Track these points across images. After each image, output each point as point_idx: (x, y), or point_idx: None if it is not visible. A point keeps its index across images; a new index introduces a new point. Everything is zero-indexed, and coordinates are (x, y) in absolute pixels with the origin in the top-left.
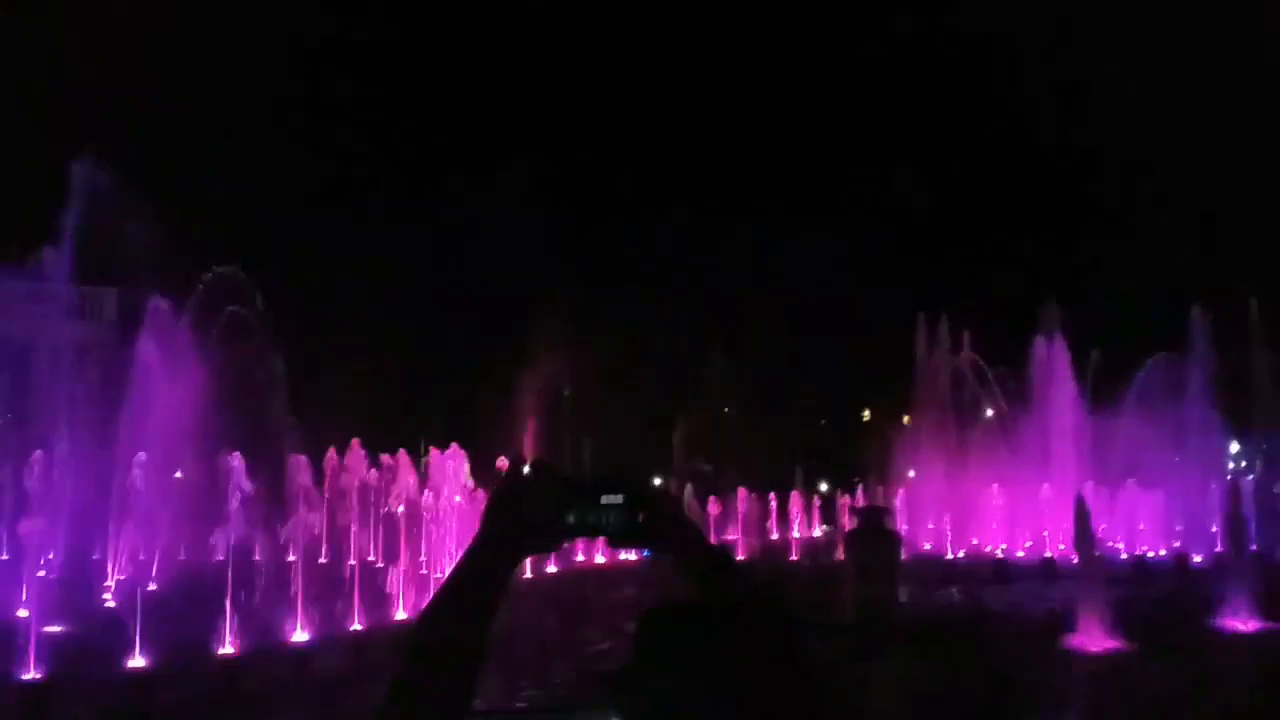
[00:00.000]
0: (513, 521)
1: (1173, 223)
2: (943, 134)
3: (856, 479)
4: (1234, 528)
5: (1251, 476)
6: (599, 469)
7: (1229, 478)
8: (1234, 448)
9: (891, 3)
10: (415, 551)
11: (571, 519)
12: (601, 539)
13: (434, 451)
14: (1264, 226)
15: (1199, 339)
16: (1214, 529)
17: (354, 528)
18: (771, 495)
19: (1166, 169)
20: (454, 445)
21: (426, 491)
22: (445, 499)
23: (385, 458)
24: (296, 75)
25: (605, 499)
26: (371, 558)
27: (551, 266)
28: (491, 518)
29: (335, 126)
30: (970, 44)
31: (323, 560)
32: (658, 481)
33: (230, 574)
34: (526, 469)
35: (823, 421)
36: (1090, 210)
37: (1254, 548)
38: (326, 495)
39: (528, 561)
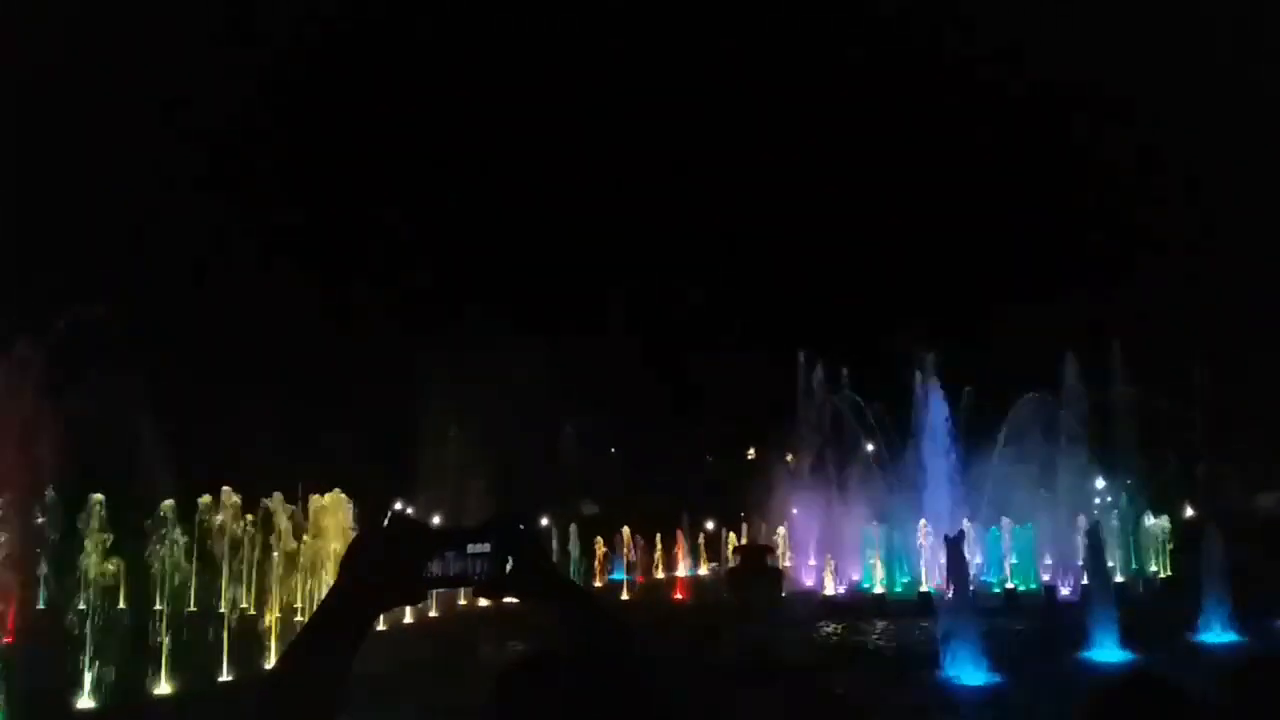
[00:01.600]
0: (369, 574)
1: (1045, 265)
2: (824, 178)
3: (741, 517)
4: (1097, 562)
5: (1116, 511)
6: (480, 513)
7: (1094, 512)
8: (1100, 483)
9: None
10: (292, 600)
11: (435, 569)
12: (468, 588)
13: (314, 496)
14: (1124, 272)
15: (1068, 379)
16: (1080, 563)
17: (225, 575)
18: (657, 534)
19: (1035, 218)
20: (336, 490)
21: (305, 538)
22: (325, 545)
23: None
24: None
25: (471, 548)
26: (245, 605)
27: (439, 306)
28: (347, 570)
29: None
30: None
31: (191, 609)
32: (544, 522)
33: (90, 624)
34: (386, 520)
35: (709, 459)
36: (967, 254)
37: (1118, 580)
38: (198, 540)
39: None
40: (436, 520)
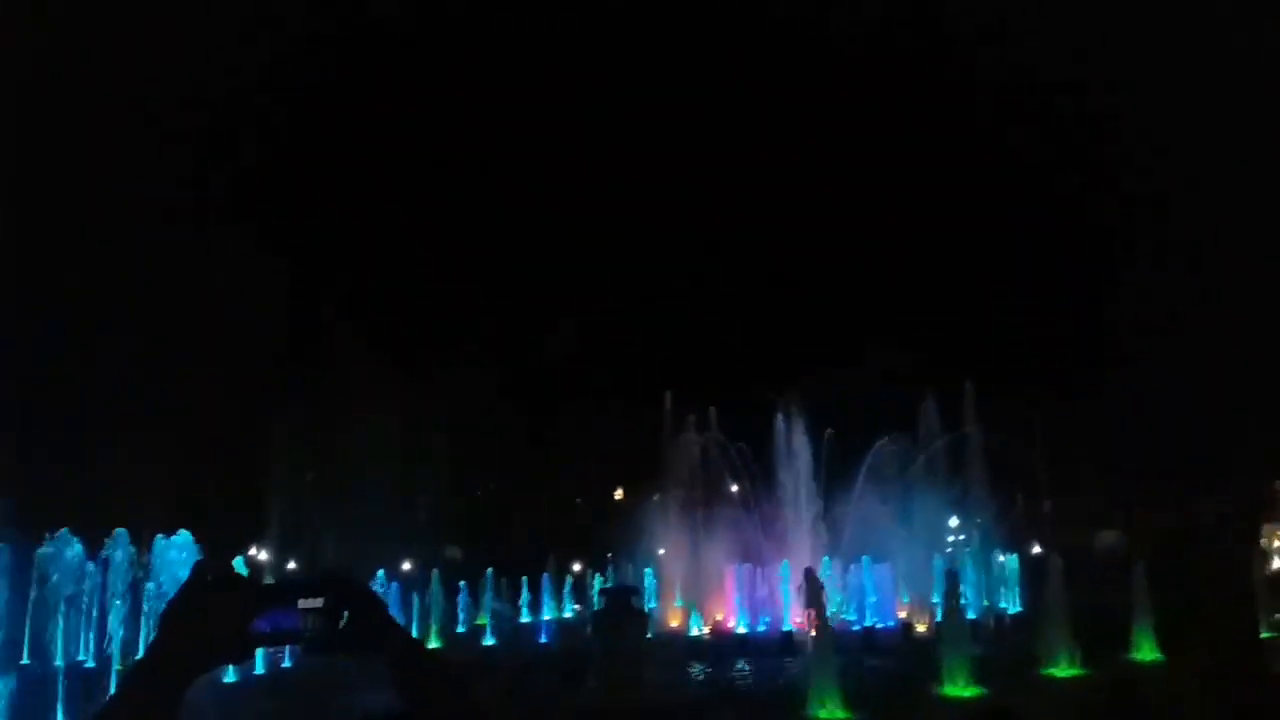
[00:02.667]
0: (191, 632)
1: (902, 309)
2: (691, 220)
3: (608, 559)
4: (951, 599)
5: (969, 550)
6: (338, 558)
7: (949, 550)
8: (954, 522)
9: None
10: (133, 650)
11: (264, 626)
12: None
13: (159, 539)
14: (980, 314)
15: (924, 421)
16: (935, 600)
17: (63, 625)
18: (523, 577)
19: (894, 262)
20: (181, 531)
21: (148, 584)
22: (170, 591)
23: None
24: None
25: (303, 603)
26: (81, 658)
27: (292, 350)
28: (167, 628)
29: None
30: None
31: (24, 662)
32: (406, 566)
33: None
34: (210, 574)
35: (578, 501)
36: (830, 298)
37: (971, 616)
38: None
39: None
40: (291, 565)
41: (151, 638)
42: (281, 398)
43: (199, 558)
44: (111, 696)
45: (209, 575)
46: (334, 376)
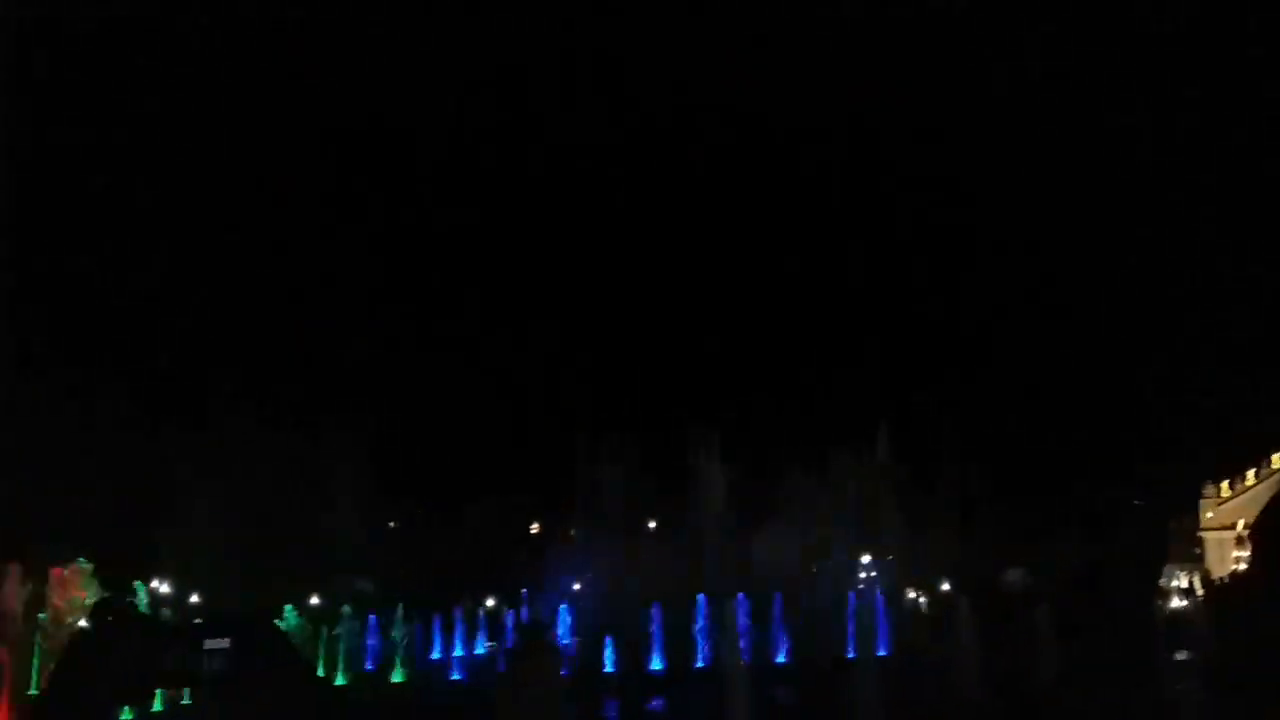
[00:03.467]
0: (94, 672)
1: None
2: (608, 255)
3: (523, 595)
4: (862, 634)
5: (879, 589)
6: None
7: (860, 587)
8: (865, 559)
9: None
10: (24, 684)
11: (166, 667)
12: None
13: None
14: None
15: (837, 459)
16: (847, 632)
17: None
18: (435, 614)
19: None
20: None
21: (40, 615)
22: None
23: None
24: None
25: (209, 644)
26: None
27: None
28: (69, 667)
29: None
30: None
31: None
32: (315, 600)
33: None
34: (112, 614)
35: (493, 537)
36: (751, 338)
37: (882, 652)
38: None
39: None
40: (194, 599)
41: (51, 676)
42: (185, 425)
43: (102, 596)
44: None
45: (110, 616)
46: (240, 405)
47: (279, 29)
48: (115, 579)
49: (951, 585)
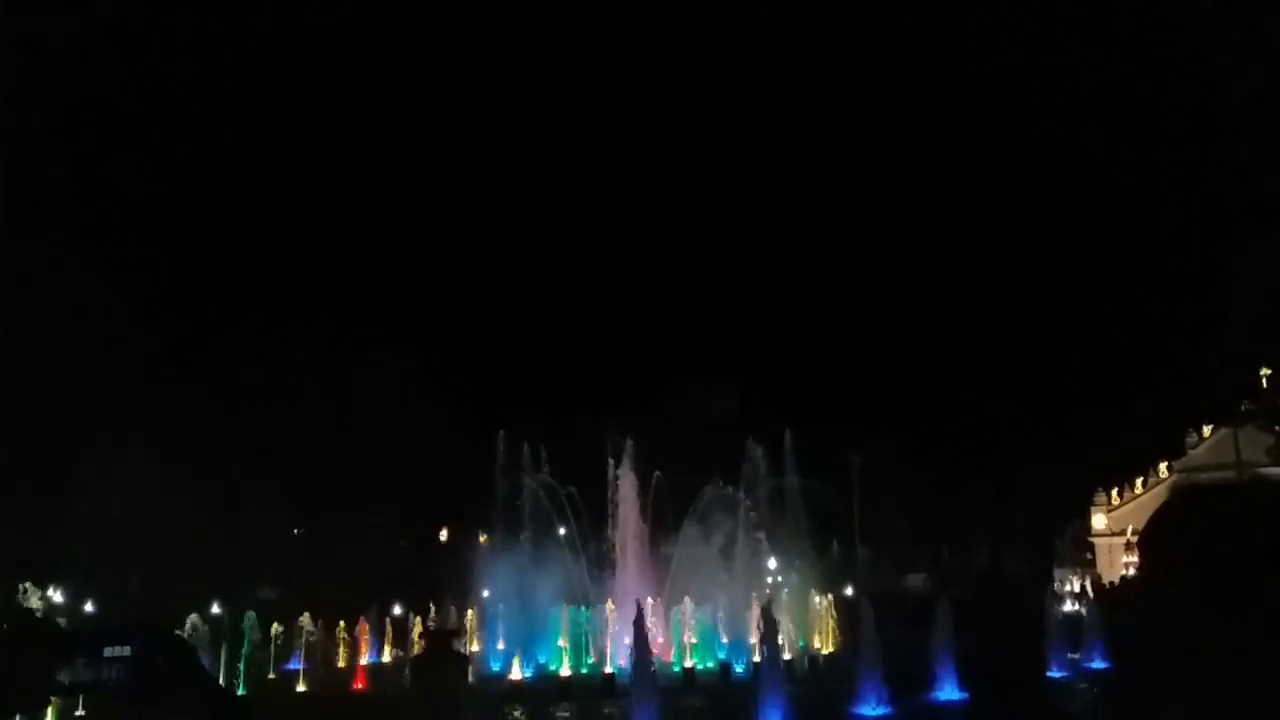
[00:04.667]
0: None
1: (730, 357)
2: (523, 256)
3: (430, 601)
4: (769, 640)
5: (786, 591)
6: (137, 606)
7: (767, 592)
8: (772, 564)
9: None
10: None
11: (65, 677)
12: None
13: None
14: (799, 363)
15: (749, 466)
16: (753, 641)
17: None
18: (340, 620)
19: (718, 308)
20: None
21: None
22: None
23: None
24: None
25: (109, 651)
26: None
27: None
28: None
29: None
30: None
31: None
32: (215, 609)
33: None
34: (4, 622)
35: (402, 543)
36: (662, 342)
37: (787, 657)
38: None
39: None
40: (89, 607)
41: None
42: (84, 425)
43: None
44: None
45: (5, 624)
46: (142, 404)
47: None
48: (5, 584)
49: (855, 590)
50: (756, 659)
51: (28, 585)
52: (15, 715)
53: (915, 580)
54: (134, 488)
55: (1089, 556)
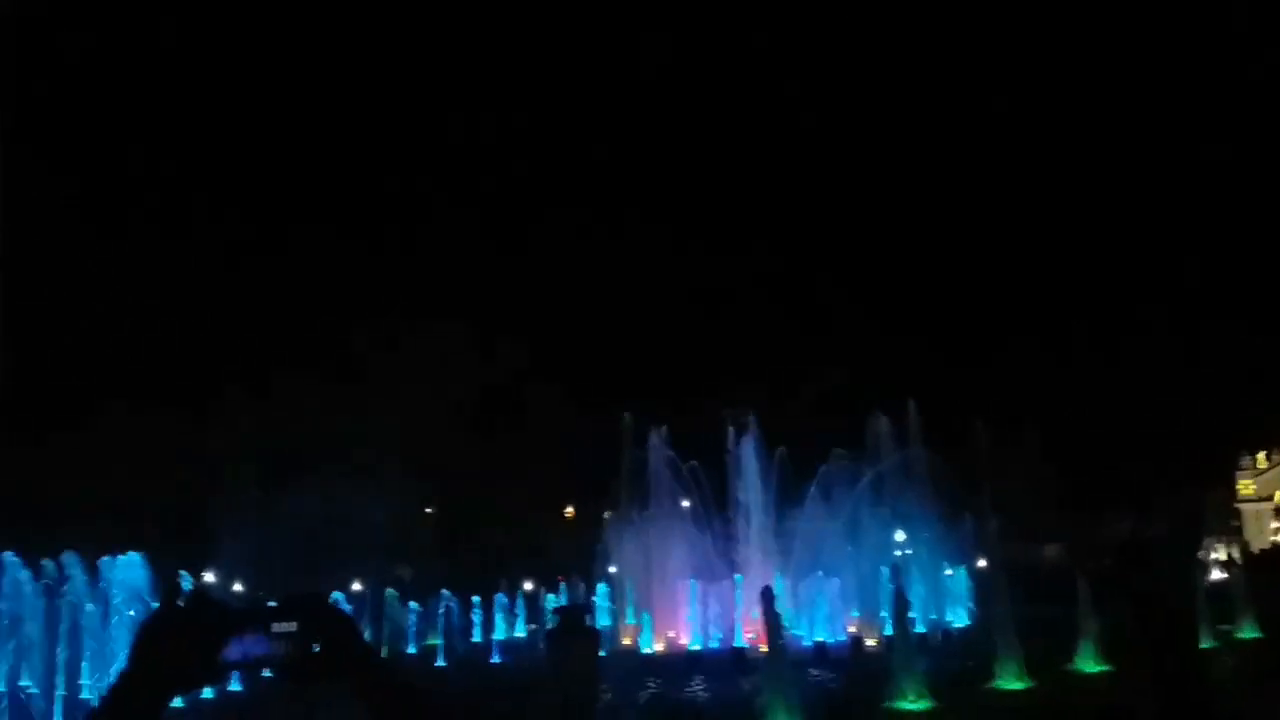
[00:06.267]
0: (165, 657)
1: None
2: (642, 236)
3: (559, 577)
4: (901, 614)
5: (916, 564)
6: (287, 580)
7: (896, 565)
8: (900, 537)
9: None
10: (77, 674)
11: (235, 652)
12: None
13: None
14: (920, 335)
15: (872, 438)
16: (884, 614)
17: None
18: (475, 597)
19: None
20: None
21: (87, 605)
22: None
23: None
24: None
25: (276, 627)
26: (26, 682)
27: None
28: (139, 653)
29: None
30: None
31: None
32: (357, 586)
33: None
34: (181, 599)
35: (528, 519)
36: (779, 314)
37: (920, 631)
38: None
39: None
40: (238, 587)
41: (120, 662)
42: (224, 413)
43: (176, 582)
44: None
45: (180, 600)
46: (280, 390)
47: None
48: (161, 569)
49: (988, 562)
50: (888, 632)
51: (183, 573)
52: (195, 687)
53: (1051, 551)
54: (274, 470)
55: (1235, 524)
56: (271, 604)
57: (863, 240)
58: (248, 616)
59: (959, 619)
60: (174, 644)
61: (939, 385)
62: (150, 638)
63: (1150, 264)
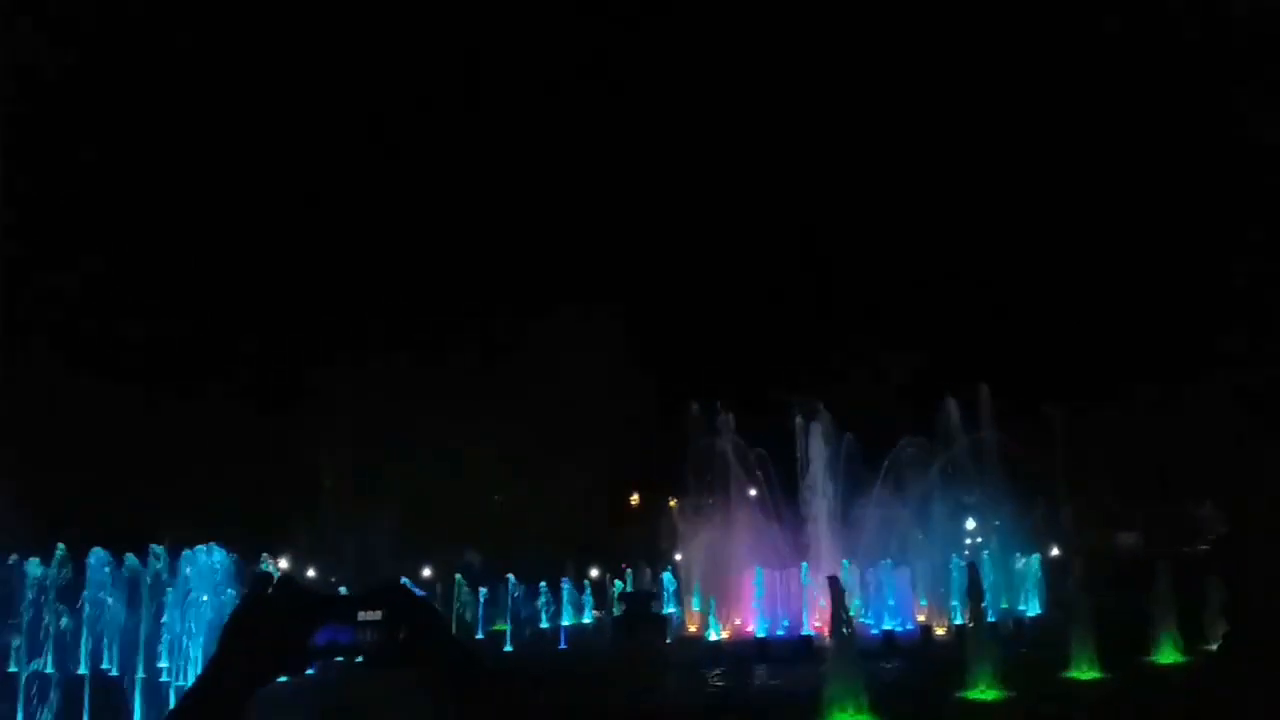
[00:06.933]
0: (253, 646)
1: (915, 315)
2: (706, 225)
3: (625, 564)
4: (974, 602)
5: (987, 552)
6: (359, 575)
7: (966, 553)
8: (971, 525)
9: None
10: (155, 659)
11: (322, 639)
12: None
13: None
14: (993, 318)
15: (943, 424)
16: (954, 602)
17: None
18: (541, 582)
19: (906, 266)
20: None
21: (169, 592)
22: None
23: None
24: None
25: (362, 615)
26: (106, 665)
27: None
28: (229, 642)
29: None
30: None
31: (48, 670)
32: (426, 573)
33: None
34: (271, 586)
35: (593, 505)
36: (844, 300)
37: (991, 619)
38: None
39: None
40: (310, 573)
41: (200, 648)
42: (297, 405)
43: (265, 570)
44: (176, 706)
45: (270, 588)
46: (349, 381)
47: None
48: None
49: (1061, 550)
50: (958, 621)
51: (266, 554)
52: (283, 674)
53: (1127, 538)
54: (345, 459)
55: None
56: (343, 591)
57: (938, 223)
58: (335, 604)
59: (1032, 608)
60: (264, 631)
61: (1011, 369)
62: (240, 625)
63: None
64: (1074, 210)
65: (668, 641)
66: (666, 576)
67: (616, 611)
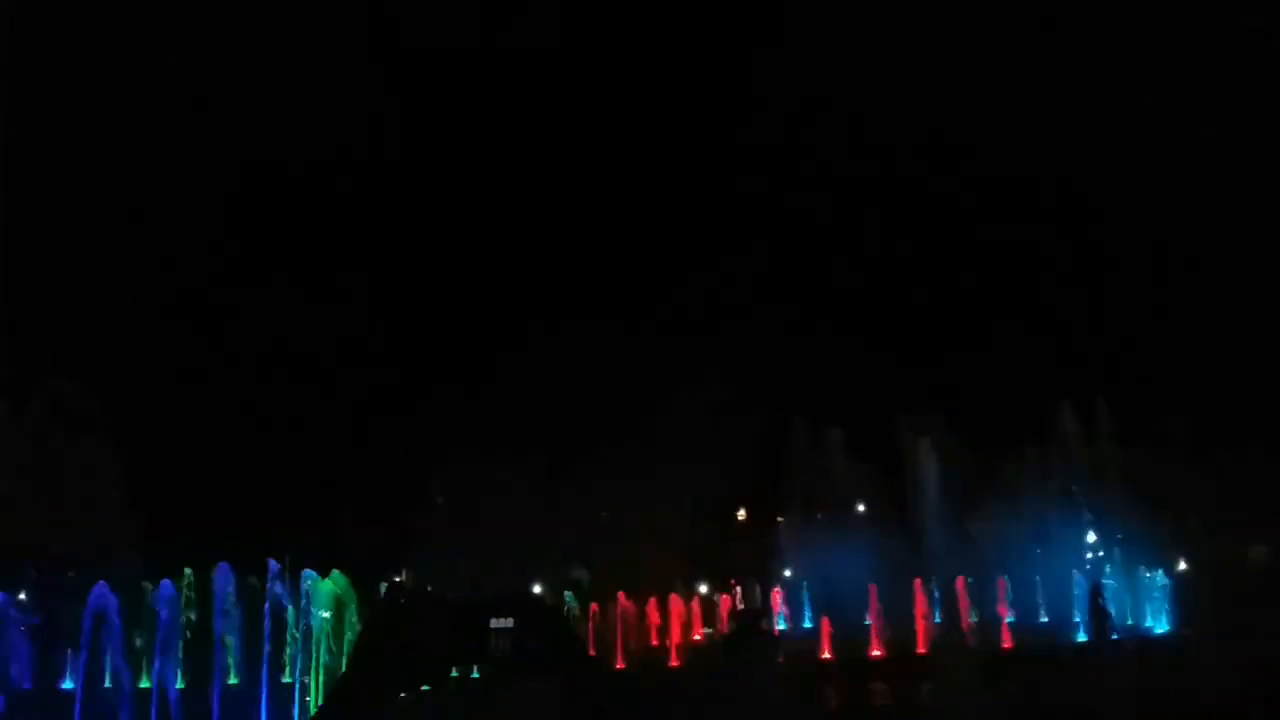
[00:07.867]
0: (387, 654)
1: (1027, 328)
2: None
3: (734, 581)
4: (1099, 618)
5: (1109, 567)
6: (484, 588)
7: (1088, 567)
8: (1091, 538)
9: None
10: (280, 671)
11: (456, 647)
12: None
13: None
14: (1111, 325)
15: (1061, 434)
16: (1076, 619)
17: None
18: (651, 599)
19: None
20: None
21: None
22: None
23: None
24: None
25: (495, 623)
26: (234, 681)
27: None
28: (364, 649)
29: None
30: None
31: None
32: (537, 589)
33: (80, 704)
34: (404, 596)
35: (701, 522)
36: (951, 315)
37: (1115, 636)
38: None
39: None
40: (427, 589)
41: (322, 658)
42: (411, 418)
43: (392, 580)
44: (317, 713)
45: (403, 598)
46: (465, 402)
47: None
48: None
49: (1188, 564)
50: (1082, 638)
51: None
52: (422, 684)
53: (1258, 552)
54: (459, 479)
55: None
56: (486, 601)
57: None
58: (467, 614)
59: (1159, 625)
60: (398, 641)
61: (1129, 379)
62: (376, 635)
63: None
64: (1184, 223)
65: (779, 659)
66: (777, 593)
67: (727, 628)
